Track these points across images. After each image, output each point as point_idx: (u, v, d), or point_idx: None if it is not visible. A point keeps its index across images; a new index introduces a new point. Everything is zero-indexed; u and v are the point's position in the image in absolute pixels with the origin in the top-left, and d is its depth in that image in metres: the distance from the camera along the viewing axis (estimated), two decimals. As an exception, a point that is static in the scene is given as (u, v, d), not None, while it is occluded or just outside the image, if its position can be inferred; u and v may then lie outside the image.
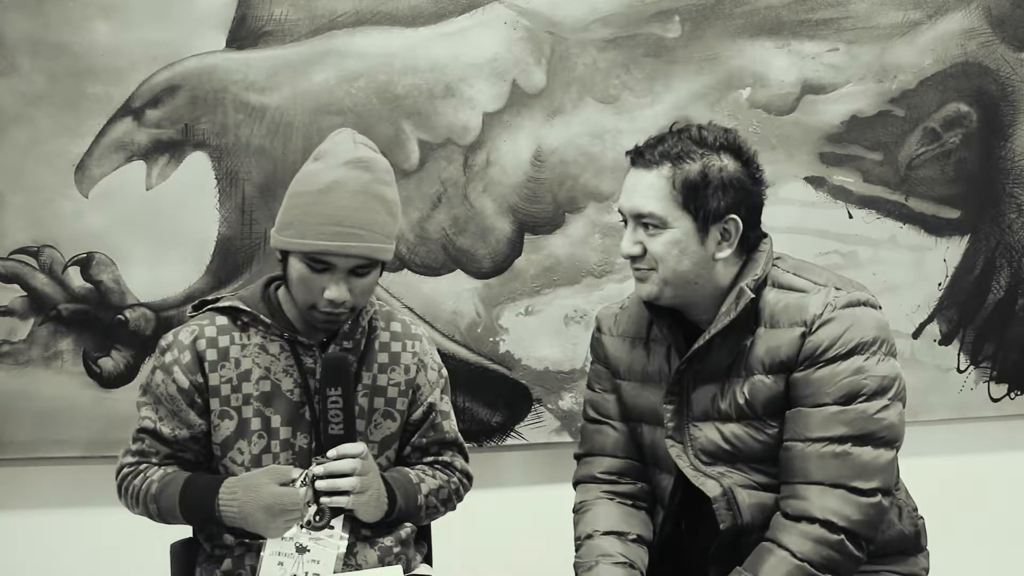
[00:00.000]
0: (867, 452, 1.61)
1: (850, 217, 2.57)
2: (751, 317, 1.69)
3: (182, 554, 1.90)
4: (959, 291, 2.60)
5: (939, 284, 2.60)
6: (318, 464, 1.72)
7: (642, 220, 1.68)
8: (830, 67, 2.54)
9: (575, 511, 1.89)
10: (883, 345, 1.65)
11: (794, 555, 1.59)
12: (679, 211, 1.66)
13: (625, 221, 1.73)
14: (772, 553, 1.61)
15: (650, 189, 1.67)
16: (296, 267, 1.73)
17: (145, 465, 1.81)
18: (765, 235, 1.75)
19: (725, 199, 1.66)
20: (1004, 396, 2.61)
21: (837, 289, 1.67)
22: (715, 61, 2.52)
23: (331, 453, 1.71)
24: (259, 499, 1.70)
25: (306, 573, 1.72)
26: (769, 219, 2.52)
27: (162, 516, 1.79)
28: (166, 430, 1.80)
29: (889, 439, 1.63)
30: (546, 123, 2.51)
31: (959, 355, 2.61)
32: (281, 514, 1.70)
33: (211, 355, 1.79)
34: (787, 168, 2.55)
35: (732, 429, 1.70)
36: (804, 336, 1.64)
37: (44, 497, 2.51)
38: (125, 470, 1.83)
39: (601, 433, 1.89)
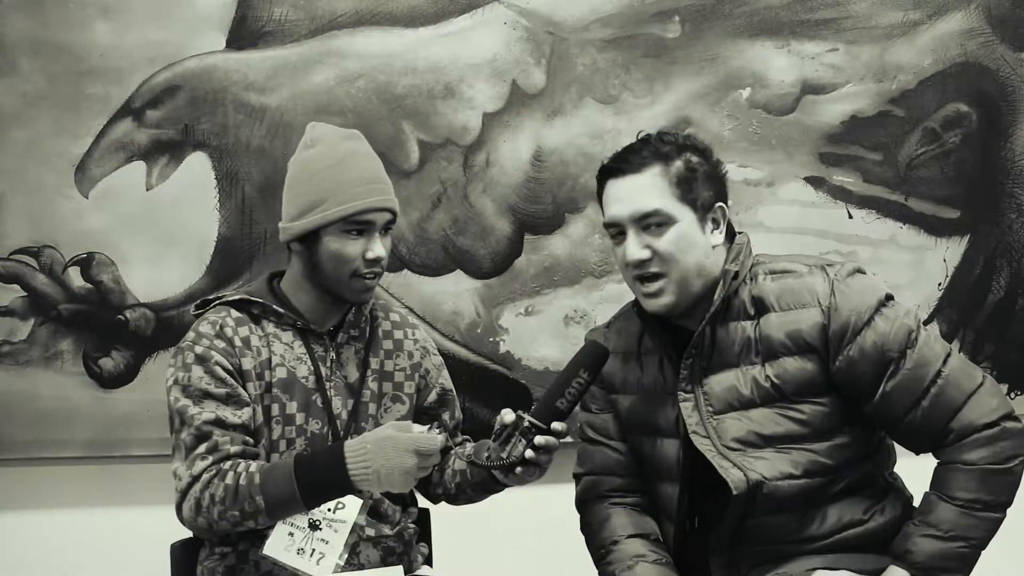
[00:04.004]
0: (954, 363, 1.68)
1: (850, 217, 2.56)
2: (744, 305, 1.73)
3: (182, 554, 1.90)
4: (959, 291, 2.60)
5: (939, 284, 2.60)
6: (533, 425, 1.65)
7: (647, 221, 1.70)
8: (830, 67, 2.54)
9: (587, 525, 1.89)
10: (889, 295, 1.74)
11: (975, 464, 1.64)
12: (680, 204, 1.70)
13: (621, 232, 1.73)
14: (956, 470, 1.65)
15: (649, 189, 1.70)
16: (333, 241, 1.77)
17: (229, 462, 1.71)
18: (741, 231, 1.82)
19: (711, 189, 1.74)
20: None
21: (829, 266, 1.74)
22: (715, 61, 2.52)
23: (556, 426, 1.66)
24: (397, 447, 1.66)
25: (313, 550, 1.71)
26: (769, 219, 2.55)
27: (268, 509, 1.68)
28: (229, 416, 1.74)
29: (946, 346, 1.71)
30: (546, 123, 2.51)
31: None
32: (423, 458, 1.66)
33: (238, 342, 1.79)
34: (787, 168, 2.54)
35: (759, 414, 1.71)
36: (823, 315, 1.68)
37: (44, 497, 2.51)
38: (205, 476, 1.70)
39: (601, 453, 1.89)
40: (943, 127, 2.56)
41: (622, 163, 1.74)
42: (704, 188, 1.72)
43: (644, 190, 1.70)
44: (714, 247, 1.74)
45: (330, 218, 1.76)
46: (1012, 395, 2.61)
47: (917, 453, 1.75)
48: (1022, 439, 1.66)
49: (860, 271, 1.74)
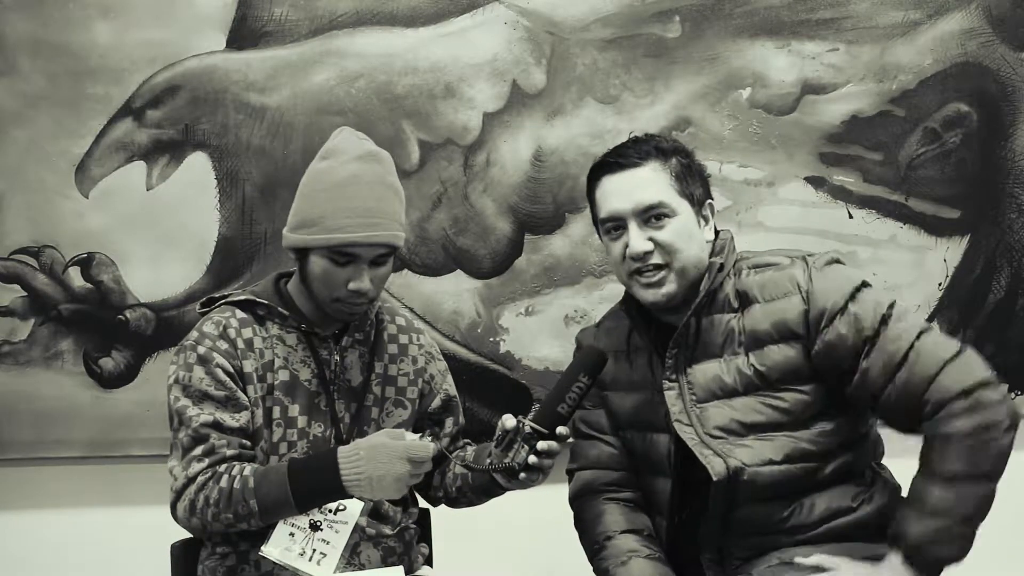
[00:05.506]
0: (929, 336, 1.67)
1: (850, 217, 2.56)
2: (728, 298, 1.76)
3: (182, 554, 1.90)
4: (959, 291, 2.60)
5: (939, 284, 2.60)
6: (536, 431, 1.66)
7: (650, 213, 1.73)
8: (830, 67, 2.54)
9: (581, 521, 1.89)
10: (865, 282, 1.73)
11: (952, 436, 1.60)
12: (679, 198, 1.75)
13: (618, 226, 1.75)
14: (935, 447, 1.62)
15: (651, 182, 1.74)
16: (319, 263, 1.76)
17: (225, 465, 1.73)
18: (724, 228, 1.86)
19: (702, 185, 1.80)
20: (1004, 396, 2.61)
21: (808, 255, 1.77)
22: (715, 61, 2.52)
23: (560, 430, 1.66)
24: (389, 454, 1.68)
25: (314, 550, 1.72)
26: (769, 219, 2.56)
27: (261, 512, 1.70)
28: (227, 419, 1.75)
29: (923, 324, 1.70)
30: (546, 123, 2.51)
31: (959, 355, 2.61)
32: (415, 465, 1.69)
33: (240, 344, 1.79)
34: (787, 168, 2.54)
35: (741, 403, 1.72)
36: (804, 301, 1.70)
37: (44, 497, 2.51)
38: (201, 478, 1.72)
39: (595, 448, 1.90)
40: (943, 127, 2.56)
41: (620, 158, 1.77)
42: (695, 184, 1.78)
43: (646, 183, 1.74)
44: (707, 241, 1.78)
45: (314, 243, 1.75)
46: (1012, 395, 2.61)
47: (902, 431, 1.71)
48: (1000, 408, 1.61)
49: (837, 261, 1.77)
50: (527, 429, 1.65)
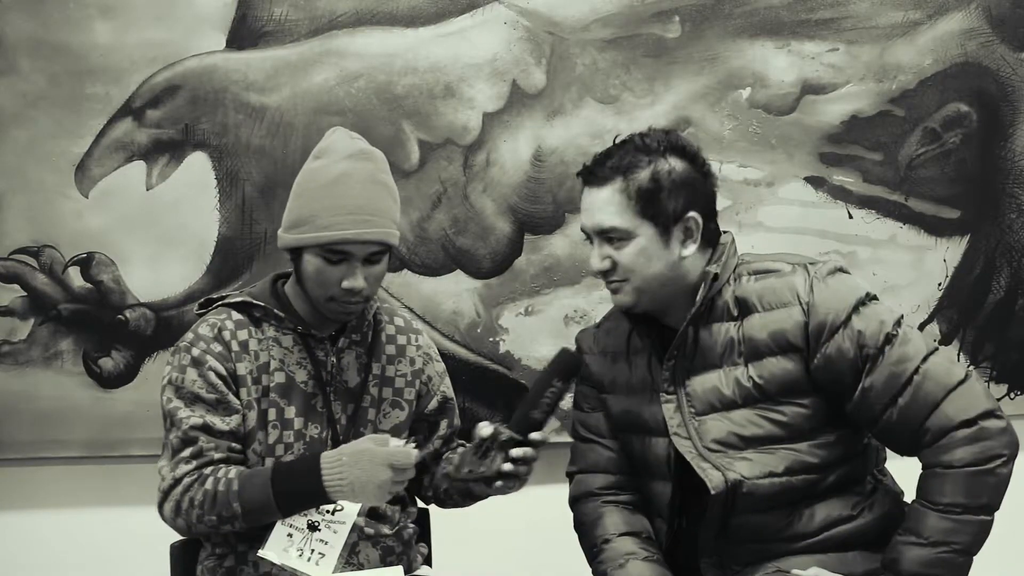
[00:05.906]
0: (935, 359, 1.66)
1: (850, 217, 2.57)
2: (728, 306, 1.74)
3: (182, 554, 1.90)
4: (959, 291, 2.60)
5: (939, 284, 2.60)
6: (511, 438, 1.67)
7: (606, 235, 1.73)
8: (830, 67, 2.54)
9: (580, 524, 1.90)
10: (870, 295, 1.71)
11: (953, 466, 1.61)
12: (639, 220, 1.71)
13: (590, 238, 1.77)
14: (935, 475, 1.63)
15: (608, 204, 1.72)
16: (312, 262, 1.75)
17: (211, 467, 1.74)
18: (725, 230, 1.81)
19: (681, 199, 1.71)
20: (1004, 396, 2.61)
21: (811, 264, 1.74)
22: (715, 61, 2.52)
23: (534, 436, 1.68)
24: (372, 460, 1.68)
25: (312, 551, 1.72)
26: (769, 219, 2.56)
27: (244, 515, 1.71)
28: (217, 422, 1.76)
29: (930, 345, 1.68)
30: (546, 123, 2.51)
31: (959, 355, 2.61)
32: (397, 472, 1.69)
33: (235, 346, 1.80)
34: (787, 168, 2.54)
35: (740, 416, 1.72)
36: (803, 313, 1.68)
37: (43, 497, 2.51)
38: (186, 480, 1.73)
39: (594, 451, 1.91)
40: (943, 127, 2.56)
41: (589, 174, 1.76)
42: (671, 199, 1.70)
43: (603, 206, 1.72)
44: (684, 257, 1.73)
45: (306, 242, 1.75)
46: (1012, 395, 2.62)
47: (900, 454, 1.73)
48: (1003, 438, 1.62)
49: (841, 270, 1.74)
50: (503, 436, 1.66)
